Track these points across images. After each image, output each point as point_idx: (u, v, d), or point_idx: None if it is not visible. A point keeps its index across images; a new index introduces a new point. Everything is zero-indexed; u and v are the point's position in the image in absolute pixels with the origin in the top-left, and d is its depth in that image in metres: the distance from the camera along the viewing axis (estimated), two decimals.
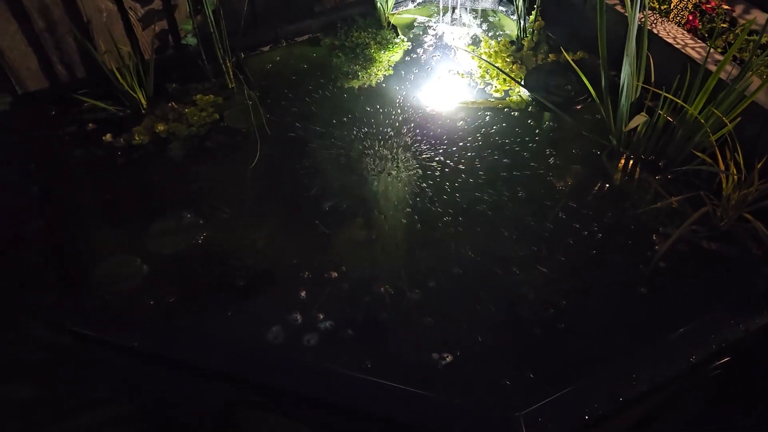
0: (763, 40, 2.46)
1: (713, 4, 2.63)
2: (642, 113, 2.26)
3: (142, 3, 2.80)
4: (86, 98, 2.74)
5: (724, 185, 2.15)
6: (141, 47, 2.90)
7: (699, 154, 2.20)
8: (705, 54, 2.39)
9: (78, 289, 2.18)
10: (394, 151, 2.59)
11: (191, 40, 2.94)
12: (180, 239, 2.29)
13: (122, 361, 2.07)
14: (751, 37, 2.52)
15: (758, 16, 2.61)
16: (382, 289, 2.12)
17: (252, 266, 2.21)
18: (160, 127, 2.66)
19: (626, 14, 2.54)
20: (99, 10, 2.73)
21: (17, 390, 2.21)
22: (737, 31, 2.55)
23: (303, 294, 2.11)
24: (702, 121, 2.19)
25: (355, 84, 2.92)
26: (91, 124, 2.73)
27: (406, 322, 2.03)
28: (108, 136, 2.65)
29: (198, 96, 2.79)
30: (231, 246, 2.27)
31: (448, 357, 1.89)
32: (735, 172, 2.12)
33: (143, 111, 2.76)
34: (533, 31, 2.99)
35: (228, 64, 2.83)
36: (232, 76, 2.87)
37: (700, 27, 2.61)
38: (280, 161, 2.58)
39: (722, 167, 2.14)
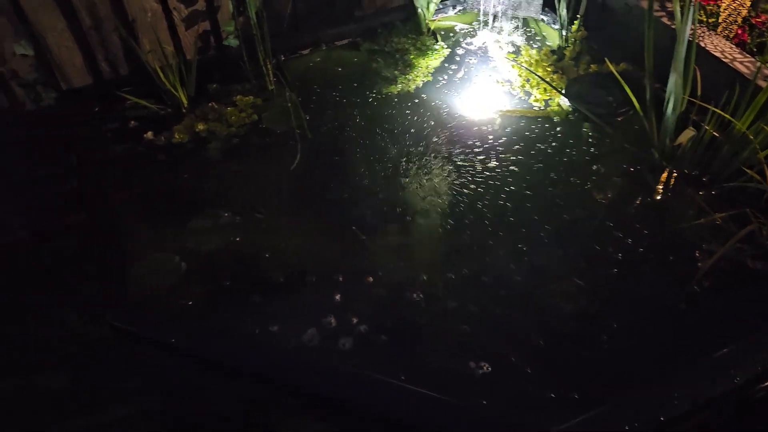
0: None
1: (763, 18, 2.58)
2: (690, 128, 2.22)
3: (186, 3, 2.84)
4: (129, 96, 2.78)
5: None
6: (183, 47, 2.94)
7: (747, 170, 2.15)
8: (755, 69, 2.34)
9: (118, 283, 2.21)
10: (432, 157, 2.58)
11: (233, 42, 2.97)
12: (217, 238, 2.31)
13: (156, 357, 2.09)
14: None
15: None
16: (417, 295, 2.10)
17: (287, 268, 2.21)
18: (200, 127, 2.68)
19: (672, 27, 2.51)
20: (144, 10, 2.77)
21: (50, 379, 2.24)
22: None
23: (338, 297, 2.10)
24: (750, 136, 2.14)
25: (394, 89, 2.91)
26: (132, 122, 2.77)
27: (442, 329, 2.01)
28: (149, 134, 2.68)
29: (238, 96, 2.82)
30: (267, 246, 2.28)
31: (485, 366, 1.87)
32: None
33: (184, 110, 2.79)
34: (575, 40, 2.95)
35: (268, 66, 2.85)
36: (272, 78, 2.89)
37: (749, 41, 2.55)
38: (318, 164, 2.58)
39: None
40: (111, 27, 2.75)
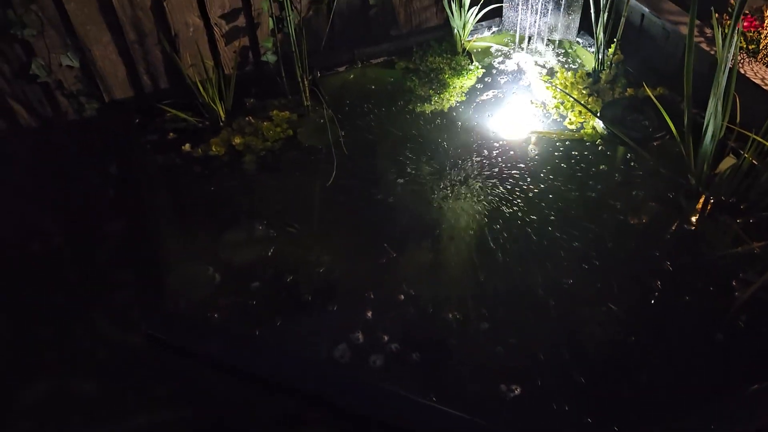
0: None
1: None
2: (730, 155, 2.20)
3: (228, 19, 2.90)
4: (169, 108, 2.84)
5: None
6: (223, 62, 3.00)
7: None
8: None
9: (154, 293, 2.24)
10: (465, 177, 2.58)
11: (271, 57, 3.02)
12: (251, 250, 2.34)
13: (188, 366, 2.11)
14: None
15: None
16: (449, 314, 2.10)
17: (320, 283, 2.23)
18: (237, 140, 2.73)
19: (711, 52, 2.49)
20: (186, 25, 2.84)
21: (81, 384, 2.28)
22: None
23: (369, 314, 2.11)
24: None
25: (428, 108, 2.93)
26: (171, 134, 2.82)
27: (474, 350, 2.01)
28: (187, 146, 2.73)
29: (274, 111, 2.86)
30: (301, 261, 2.30)
31: (516, 389, 1.86)
32: None
33: (221, 123, 2.84)
34: (611, 64, 2.95)
35: (305, 82, 2.89)
36: (308, 94, 2.93)
37: None
38: (351, 180, 2.60)
39: None
40: (154, 41, 2.82)
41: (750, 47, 2.64)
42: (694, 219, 2.39)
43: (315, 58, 3.04)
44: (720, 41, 2.18)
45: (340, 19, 3.12)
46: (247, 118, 2.85)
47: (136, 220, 2.59)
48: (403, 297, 2.16)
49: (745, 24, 2.69)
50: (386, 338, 2.03)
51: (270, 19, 2.88)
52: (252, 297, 2.19)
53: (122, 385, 2.26)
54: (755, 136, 2.16)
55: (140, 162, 2.75)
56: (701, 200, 2.42)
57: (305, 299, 2.17)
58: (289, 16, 2.69)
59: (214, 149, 2.71)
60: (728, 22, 2.31)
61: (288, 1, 2.66)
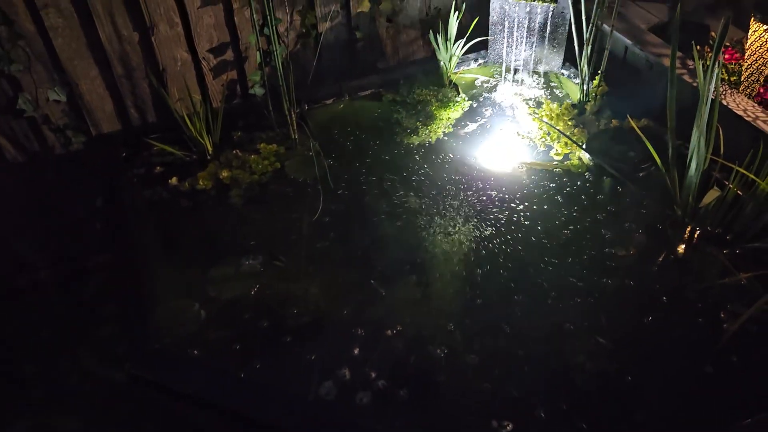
0: None
1: None
2: (714, 187, 2.21)
3: (215, 54, 2.92)
4: (156, 142, 2.84)
5: None
6: (210, 95, 3.01)
7: None
8: None
9: (140, 329, 2.21)
10: (452, 209, 2.59)
11: (258, 91, 3.04)
12: (237, 285, 2.32)
13: (172, 403, 2.07)
14: None
15: None
16: (437, 349, 2.08)
17: (307, 318, 2.21)
18: (224, 174, 2.72)
19: (694, 84, 2.53)
20: (174, 59, 2.85)
21: (65, 422, 2.24)
22: None
23: (356, 351, 2.09)
24: None
25: (415, 140, 2.95)
26: (158, 167, 2.82)
27: (463, 386, 1.99)
28: (174, 180, 2.73)
29: (262, 144, 2.86)
30: (287, 296, 2.28)
31: (508, 426, 1.84)
32: None
33: (209, 157, 2.84)
34: (596, 95, 2.98)
35: (292, 115, 2.90)
36: (295, 127, 2.94)
37: None
38: (338, 214, 2.60)
39: None
40: (141, 75, 2.83)
41: (732, 79, 2.68)
42: (681, 250, 2.40)
43: (302, 90, 3.06)
44: (701, 74, 2.21)
45: (327, 53, 3.14)
46: (234, 152, 2.85)
47: (122, 255, 2.57)
48: (390, 332, 2.14)
49: (726, 56, 2.73)
50: (374, 375, 2.01)
51: (258, 52, 2.91)
52: (238, 333, 2.17)
53: (106, 422, 2.23)
54: (738, 168, 2.18)
55: (127, 196, 2.74)
56: (687, 231, 2.43)
57: (292, 335, 2.15)
58: (277, 50, 2.72)
59: (201, 183, 2.70)
60: (710, 54, 2.35)
61: (275, 35, 2.68)
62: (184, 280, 2.36)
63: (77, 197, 2.83)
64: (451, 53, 3.16)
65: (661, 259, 2.37)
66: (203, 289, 2.31)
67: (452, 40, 3.13)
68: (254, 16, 2.62)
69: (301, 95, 3.04)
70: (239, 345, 2.13)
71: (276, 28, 2.72)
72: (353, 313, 2.21)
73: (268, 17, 2.59)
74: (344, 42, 3.16)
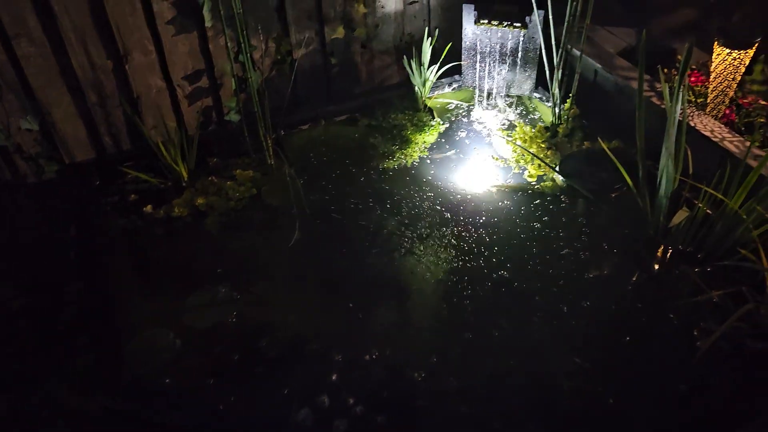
0: None
1: (750, 99, 2.66)
2: (684, 208, 2.26)
3: (190, 81, 2.92)
4: (130, 170, 2.82)
5: (767, 282, 2.11)
6: (185, 122, 3.00)
7: (742, 251, 2.16)
8: (744, 148, 2.40)
9: (113, 362, 2.18)
10: (429, 232, 2.60)
11: (234, 117, 3.04)
12: (214, 314, 2.30)
13: None
14: None
15: None
16: (415, 374, 2.08)
17: (284, 345, 2.19)
18: (200, 201, 2.71)
19: (662, 106, 2.58)
20: (149, 87, 2.85)
21: None
22: None
23: (334, 377, 2.07)
24: (743, 215, 2.17)
25: (391, 164, 2.96)
26: (133, 195, 2.80)
27: (441, 410, 1.98)
28: (148, 208, 2.71)
29: (238, 171, 2.86)
30: (264, 323, 2.26)
31: None
32: None
33: (184, 184, 2.83)
34: (568, 118, 3.03)
35: (268, 141, 2.91)
36: (271, 153, 2.94)
37: (737, 121, 2.63)
38: (315, 239, 2.60)
39: (765, 264, 2.11)
40: (115, 103, 2.82)
41: (698, 101, 2.75)
42: (654, 269, 2.43)
43: (278, 116, 3.07)
44: (668, 96, 2.26)
45: (302, 78, 3.16)
46: (210, 178, 2.84)
47: (96, 284, 2.53)
48: (368, 357, 2.13)
49: (692, 79, 2.80)
50: (351, 401, 1.99)
51: (233, 79, 2.91)
52: (214, 362, 2.14)
53: None
54: (706, 188, 2.22)
55: (101, 224, 2.71)
56: (660, 250, 2.47)
57: (269, 363, 2.13)
58: (252, 76, 2.73)
59: (176, 210, 2.69)
60: (676, 77, 2.40)
61: (250, 62, 2.70)
62: (159, 309, 2.33)
63: (51, 226, 2.78)
64: (425, 78, 3.20)
65: (635, 279, 2.39)
66: (179, 317, 2.28)
67: (426, 66, 3.17)
68: (228, 43, 2.64)
69: (277, 121, 3.05)
70: (216, 374, 2.10)
71: (251, 55, 2.73)
72: (331, 338, 2.20)
73: (243, 44, 2.60)
74: (319, 68, 3.19)
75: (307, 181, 2.86)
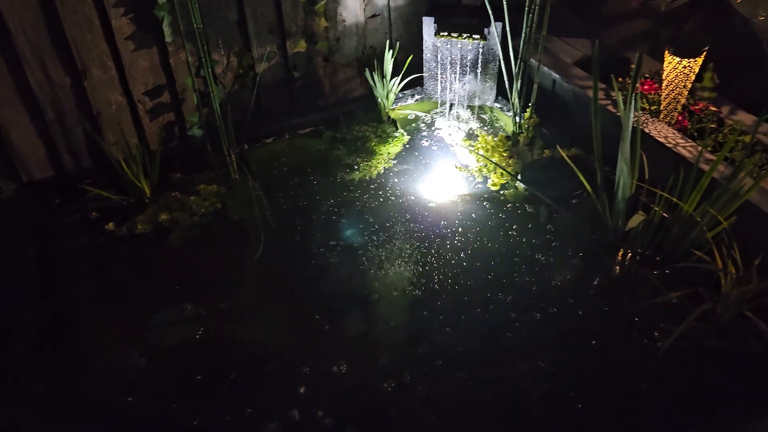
0: (746, 139, 2.57)
1: (701, 105, 2.75)
2: (639, 212, 2.32)
3: (151, 96, 2.90)
4: (90, 187, 2.78)
5: (722, 282, 2.18)
6: (147, 138, 2.97)
7: (696, 252, 2.23)
8: (696, 153, 2.48)
9: (77, 382, 2.13)
10: (394, 242, 2.62)
11: (197, 132, 3.02)
12: (180, 330, 2.27)
13: None
14: (740, 138, 2.61)
15: (744, 118, 2.72)
16: (384, 384, 2.08)
17: (251, 360, 2.18)
18: (163, 216, 2.69)
19: (618, 114, 2.65)
20: (109, 103, 2.82)
21: None
22: (725, 131, 2.65)
23: (302, 390, 2.07)
24: (698, 218, 2.24)
25: (356, 176, 2.98)
26: (94, 213, 2.76)
27: (411, 419, 1.99)
28: (110, 225, 2.67)
29: (201, 186, 2.84)
30: (231, 338, 2.25)
31: None
32: (733, 269, 2.15)
33: (146, 200, 2.80)
34: (528, 127, 3.09)
35: (232, 155, 2.90)
36: (235, 167, 2.93)
37: (689, 127, 2.71)
38: (281, 253, 2.60)
39: (720, 265, 2.18)
40: (75, 120, 2.78)
41: (652, 108, 2.83)
42: (614, 272, 2.49)
43: (242, 130, 3.06)
44: (622, 104, 2.33)
45: (266, 92, 3.17)
46: (173, 194, 2.82)
47: (58, 305, 2.48)
48: (337, 368, 2.13)
49: (645, 87, 2.89)
50: (320, 413, 1.99)
51: (195, 94, 2.89)
52: (182, 380, 2.12)
53: None
54: (661, 192, 2.29)
55: (62, 243, 2.66)
56: (620, 254, 2.53)
57: (236, 379, 2.12)
58: (213, 91, 2.72)
59: (139, 227, 2.66)
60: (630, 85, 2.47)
61: (211, 76, 2.69)
62: (123, 328, 2.30)
63: (9, 246, 2.72)
64: (387, 90, 3.24)
65: (596, 282, 2.45)
66: (144, 336, 2.25)
67: (388, 78, 3.21)
68: (189, 58, 2.63)
69: (241, 135, 3.04)
70: (183, 391, 2.08)
71: (212, 69, 2.73)
72: (299, 351, 2.20)
73: (204, 59, 2.60)
74: (282, 81, 3.19)
75: (272, 195, 2.86)
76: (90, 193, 2.80)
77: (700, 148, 2.44)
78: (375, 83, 3.19)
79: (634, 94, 2.22)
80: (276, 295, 2.44)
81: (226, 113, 2.81)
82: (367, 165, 3.04)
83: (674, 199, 2.29)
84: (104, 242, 2.63)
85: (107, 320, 2.35)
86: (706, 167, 2.34)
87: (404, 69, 3.26)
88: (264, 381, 2.11)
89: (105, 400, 2.06)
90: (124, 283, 2.50)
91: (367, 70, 3.20)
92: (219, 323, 2.30)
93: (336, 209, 2.78)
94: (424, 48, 3.25)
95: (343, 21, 3.16)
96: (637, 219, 2.30)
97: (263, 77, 3.10)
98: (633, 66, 2.34)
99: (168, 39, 2.75)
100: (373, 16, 3.24)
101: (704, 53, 2.55)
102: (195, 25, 2.49)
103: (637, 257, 2.50)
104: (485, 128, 3.30)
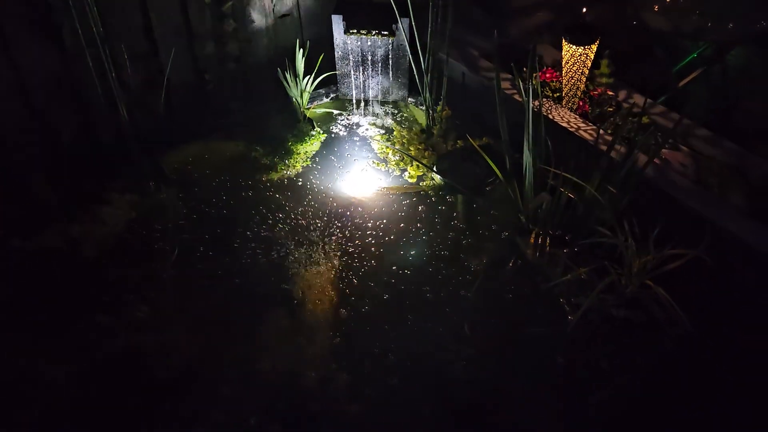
0: (645, 121, 2.72)
1: (599, 91, 2.90)
2: (543, 193, 2.42)
3: (57, 104, 2.80)
4: None
5: (625, 255, 2.30)
6: (53, 147, 2.86)
7: (599, 228, 2.35)
8: (596, 135, 2.61)
9: None
10: (315, 239, 2.63)
11: (107, 139, 2.93)
12: (97, 347, 2.21)
13: None
14: (635, 119, 2.76)
15: (640, 101, 2.88)
16: (309, 378, 2.10)
17: (173, 367, 2.15)
18: (74, 229, 2.60)
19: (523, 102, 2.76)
20: (13, 113, 2.70)
21: None
22: (624, 113, 2.80)
23: (227, 391, 2.06)
24: (599, 197, 2.36)
25: (274, 176, 2.97)
26: None
27: (337, 411, 2.01)
28: (15, 240, 2.56)
29: (114, 195, 2.77)
30: (152, 347, 2.21)
31: None
32: (633, 242, 2.27)
33: (56, 212, 2.69)
34: (441, 119, 3.17)
35: (145, 162, 2.83)
36: (149, 174, 2.87)
37: (590, 111, 2.85)
38: (199, 256, 2.56)
39: (621, 238, 2.30)
40: None
41: (555, 95, 2.96)
42: (528, 253, 2.59)
43: (155, 135, 3.00)
44: (523, 92, 2.42)
45: (177, 97, 3.11)
46: (85, 204, 2.72)
47: None
48: (261, 366, 2.13)
49: (548, 75, 3.01)
50: (246, 413, 1.98)
51: (102, 101, 2.81)
52: (100, 396, 2.07)
53: None
54: (564, 174, 2.40)
55: None
56: (533, 236, 2.63)
57: (158, 388, 2.09)
58: (120, 97, 2.65)
59: (48, 241, 2.56)
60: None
61: (115, 82, 2.62)
62: (33, 348, 2.21)
63: None
64: (301, 89, 3.24)
65: (511, 264, 2.54)
66: (57, 354, 2.17)
67: (301, 77, 3.21)
68: (92, 64, 2.55)
69: (154, 140, 2.98)
70: (106, 408, 2.03)
71: (117, 75, 2.66)
72: (223, 354, 2.18)
73: (107, 65, 2.53)
74: (193, 85, 3.15)
75: (189, 199, 2.82)
76: None
77: (600, 131, 2.57)
78: (288, 83, 3.19)
79: (532, 82, 2.31)
80: (197, 299, 2.40)
81: (133, 118, 2.74)
82: (286, 165, 3.04)
83: (578, 181, 2.40)
84: (9, 258, 2.52)
85: (15, 341, 2.25)
86: (604, 148, 2.47)
87: (316, 68, 3.27)
88: (188, 385, 2.09)
89: (20, 420, 1.98)
90: (32, 301, 2.39)
91: (279, 70, 3.20)
92: (139, 333, 2.26)
93: (256, 210, 2.77)
94: (335, 46, 3.28)
95: (252, 22, 3.15)
96: (540, 199, 2.40)
97: (173, 82, 3.04)
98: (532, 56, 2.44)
99: (68, 45, 2.66)
100: (283, 15, 3.25)
101: (597, 41, 2.69)
102: (95, 31, 2.42)
103: (548, 238, 2.61)
104: (400, 123, 3.36)
